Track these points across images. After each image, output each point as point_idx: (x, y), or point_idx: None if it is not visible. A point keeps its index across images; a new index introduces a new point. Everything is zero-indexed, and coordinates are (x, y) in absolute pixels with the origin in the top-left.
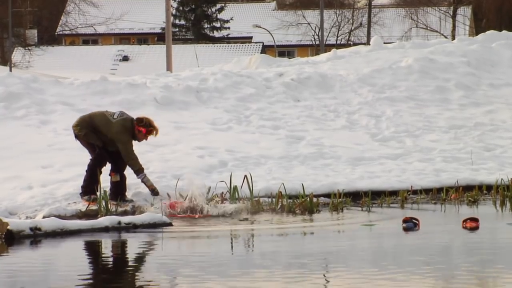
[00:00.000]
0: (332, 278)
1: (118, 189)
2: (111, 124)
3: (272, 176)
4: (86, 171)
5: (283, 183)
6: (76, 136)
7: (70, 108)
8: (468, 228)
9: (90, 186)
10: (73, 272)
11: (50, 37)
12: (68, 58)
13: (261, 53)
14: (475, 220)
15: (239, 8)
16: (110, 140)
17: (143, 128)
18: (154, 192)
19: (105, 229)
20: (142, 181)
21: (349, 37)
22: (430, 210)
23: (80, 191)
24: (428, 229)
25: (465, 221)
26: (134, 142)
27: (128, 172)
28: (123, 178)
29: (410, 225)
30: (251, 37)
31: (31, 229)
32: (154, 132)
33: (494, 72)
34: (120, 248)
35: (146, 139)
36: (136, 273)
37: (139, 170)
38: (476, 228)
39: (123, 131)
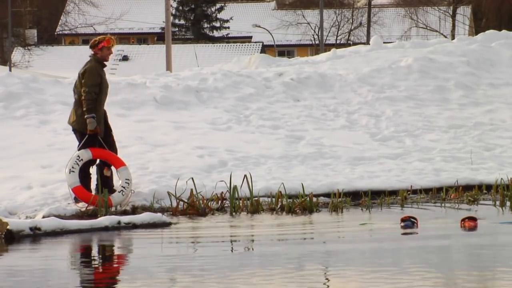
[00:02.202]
0: (332, 278)
1: (109, 183)
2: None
3: (271, 176)
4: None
5: (282, 183)
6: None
7: (69, 108)
8: (466, 228)
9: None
10: (73, 272)
11: (50, 37)
12: (67, 58)
13: (260, 52)
14: (473, 219)
15: (239, 7)
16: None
17: (100, 44)
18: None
19: (105, 229)
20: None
21: (348, 36)
22: (430, 209)
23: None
24: (427, 228)
25: (463, 220)
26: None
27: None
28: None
29: (409, 224)
30: (250, 37)
31: (31, 229)
32: (112, 39)
33: (493, 72)
34: (120, 248)
35: (111, 52)
36: (136, 273)
37: (89, 110)
38: (474, 227)
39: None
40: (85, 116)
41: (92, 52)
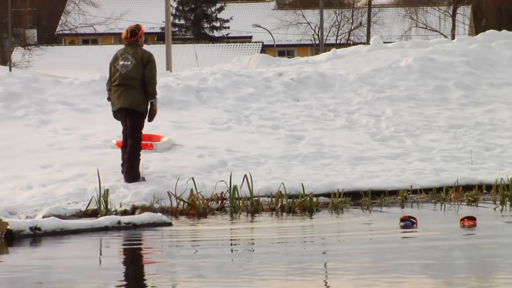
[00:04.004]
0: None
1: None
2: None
3: (272, 176)
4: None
5: (283, 183)
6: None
7: (69, 108)
8: (466, 227)
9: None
10: (73, 272)
11: (50, 36)
12: (67, 58)
13: (260, 52)
14: (472, 219)
15: (239, 7)
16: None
17: (140, 31)
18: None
19: (105, 229)
20: (153, 104)
21: (348, 36)
22: (429, 209)
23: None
24: (426, 228)
25: (462, 220)
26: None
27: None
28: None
29: (408, 223)
30: (250, 37)
31: (31, 228)
32: (136, 26)
33: (493, 72)
34: (120, 247)
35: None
36: (136, 273)
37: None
38: (474, 227)
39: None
40: (151, 100)
41: (132, 40)
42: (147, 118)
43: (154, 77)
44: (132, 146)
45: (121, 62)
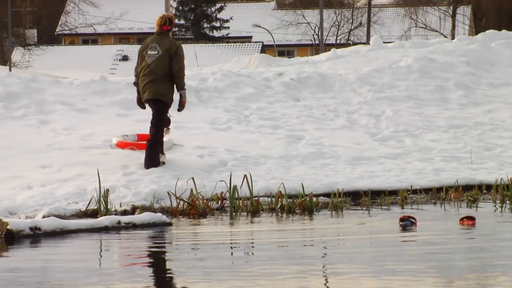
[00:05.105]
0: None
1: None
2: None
3: (271, 176)
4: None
5: (282, 183)
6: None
7: (69, 108)
8: (465, 226)
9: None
10: (73, 272)
11: (50, 36)
12: (67, 58)
13: (260, 52)
14: (471, 218)
15: (239, 7)
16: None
17: (172, 21)
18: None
19: (105, 229)
20: (182, 95)
21: (348, 36)
22: (429, 209)
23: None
24: (425, 228)
25: (461, 219)
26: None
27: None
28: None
29: (408, 223)
30: (250, 37)
31: (31, 228)
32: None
33: (493, 72)
34: (119, 247)
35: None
36: (136, 273)
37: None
38: (473, 226)
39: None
40: (181, 91)
41: (166, 28)
42: (176, 108)
43: (182, 69)
44: (154, 135)
45: (149, 52)
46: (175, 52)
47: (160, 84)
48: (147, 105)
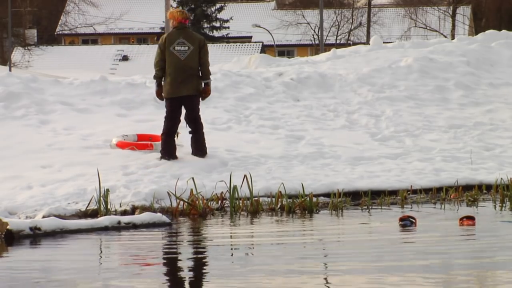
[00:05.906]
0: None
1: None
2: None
3: (271, 176)
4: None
5: (282, 183)
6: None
7: (69, 108)
8: (465, 226)
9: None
10: (73, 272)
11: (50, 37)
12: (67, 58)
13: (260, 52)
14: (471, 218)
15: (239, 7)
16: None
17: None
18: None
19: (105, 229)
20: (208, 84)
21: (348, 36)
22: (429, 209)
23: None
24: (425, 228)
25: (461, 219)
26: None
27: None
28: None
29: (407, 223)
30: (250, 37)
31: (30, 228)
32: (177, 12)
33: (493, 72)
34: (119, 247)
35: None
36: (136, 273)
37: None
38: (473, 226)
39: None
40: (208, 80)
41: (187, 22)
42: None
43: (208, 59)
44: (198, 126)
45: (177, 47)
46: (203, 44)
47: (196, 80)
48: (165, 100)
